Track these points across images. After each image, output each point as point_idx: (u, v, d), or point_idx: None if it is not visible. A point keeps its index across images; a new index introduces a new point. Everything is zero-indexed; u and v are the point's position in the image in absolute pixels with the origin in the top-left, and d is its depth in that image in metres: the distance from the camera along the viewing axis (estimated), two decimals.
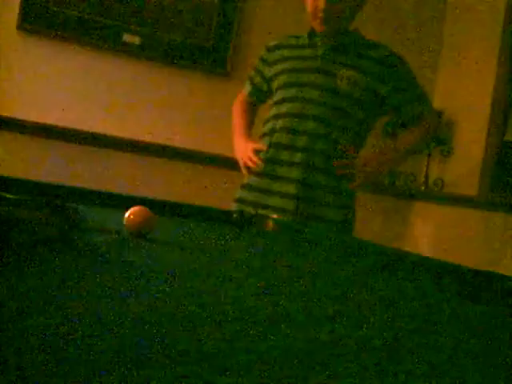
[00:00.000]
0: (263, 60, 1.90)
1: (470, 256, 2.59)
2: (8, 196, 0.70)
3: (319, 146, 1.70)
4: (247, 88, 1.98)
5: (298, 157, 1.70)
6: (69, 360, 0.31)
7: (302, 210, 1.69)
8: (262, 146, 1.77)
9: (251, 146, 1.80)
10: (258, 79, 1.93)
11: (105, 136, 2.70)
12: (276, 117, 1.77)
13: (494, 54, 2.78)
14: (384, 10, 3.07)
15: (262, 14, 2.95)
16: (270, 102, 1.88)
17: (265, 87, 1.91)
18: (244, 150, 1.81)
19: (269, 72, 1.86)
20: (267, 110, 1.87)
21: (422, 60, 3.03)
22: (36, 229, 0.67)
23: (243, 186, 1.82)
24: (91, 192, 1.32)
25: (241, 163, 1.82)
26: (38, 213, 0.67)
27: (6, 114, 2.58)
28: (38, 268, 0.56)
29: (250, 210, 1.64)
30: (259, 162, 1.75)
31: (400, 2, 3.15)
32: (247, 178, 1.81)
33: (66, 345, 0.33)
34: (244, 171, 1.81)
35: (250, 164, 1.77)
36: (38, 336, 0.34)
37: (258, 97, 1.96)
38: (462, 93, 3.01)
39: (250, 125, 1.96)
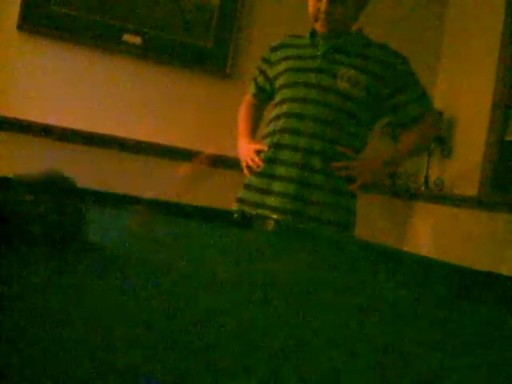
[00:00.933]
0: (266, 60, 1.90)
1: (470, 256, 2.59)
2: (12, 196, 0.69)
3: (319, 146, 1.69)
4: (252, 89, 1.98)
5: (298, 157, 1.70)
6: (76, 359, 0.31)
7: (300, 211, 1.69)
8: (264, 146, 1.77)
9: (253, 146, 1.80)
10: (261, 79, 1.93)
11: (105, 136, 2.70)
12: (277, 117, 1.77)
13: (495, 53, 2.78)
14: (384, 9, 3.07)
15: (262, 14, 2.95)
16: (273, 102, 1.88)
17: (268, 87, 1.91)
18: (246, 150, 1.82)
19: (271, 72, 1.86)
20: (271, 111, 1.87)
21: (422, 60, 3.03)
22: (46, 226, 0.67)
23: (244, 186, 1.83)
24: (91, 192, 1.31)
25: (243, 164, 1.83)
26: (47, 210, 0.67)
27: (5, 114, 2.58)
28: (43, 267, 0.56)
29: (251, 209, 1.64)
30: (260, 163, 1.75)
31: (400, 1, 3.15)
32: (248, 178, 1.82)
33: (73, 349, 0.33)
34: (246, 171, 1.82)
35: (251, 164, 1.77)
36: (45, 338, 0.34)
37: (263, 97, 1.96)
38: (462, 93, 3.01)
39: (254, 125, 1.96)
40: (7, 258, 0.57)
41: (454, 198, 2.87)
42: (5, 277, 0.49)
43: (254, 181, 1.78)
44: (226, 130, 2.65)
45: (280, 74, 1.80)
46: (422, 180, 3.07)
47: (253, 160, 1.77)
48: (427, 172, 3.05)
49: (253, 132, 1.93)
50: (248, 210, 1.63)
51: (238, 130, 1.95)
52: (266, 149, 1.76)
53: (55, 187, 0.68)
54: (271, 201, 1.71)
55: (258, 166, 1.76)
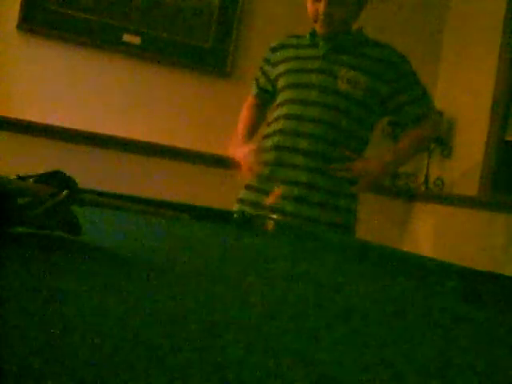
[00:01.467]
0: (267, 61, 1.90)
1: (470, 256, 2.59)
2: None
3: (320, 147, 1.69)
4: (253, 90, 1.98)
5: (299, 159, 1.70)
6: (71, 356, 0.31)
7: (301, 212, 1.68)
8: (257, 148, 1.76)
9: (251, 149, 1.79)
10: (263, 80, 1.93)
11: (105, 136, 2.70)
12: (277, 119, 1.77)
13: (495, 53, 2.78)
14: (384, 9, 3.07)
15: (262, 14, 2.95)
16: (274, 103, 1.87)
17: (270, 88, 1.90)
18: (246, 152, 1.81)
19: (272, 73, 1.86)
20: (272, 112, 1.86)
21: (422, 60, 3.03)
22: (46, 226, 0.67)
23: (245, 187, 1.82)
24: (91, 192, 1.31)
25: (244, 166, 1.82)
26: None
27: (6, 114, 2.58)
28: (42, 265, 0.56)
29: (251, 210, 1.64)
30: (260, 165, 1.75)
31: (401, 1, 3.14)
32: (249, 179, 1.81)
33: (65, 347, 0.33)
34: (246, 173, 1.81)
35: (252, 166, 1.77)
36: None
37: (265, 98, 1.95)
38: (462, 93, 3.01)
39: (253, 127, 1.95)
40: (5, 259, 0.57)
41: (453, 197, 2.87)
42: (2, 277, 0.49)
43: (255, 182, 1.78)
44: (226, 130, 2.65)
45: (280, 75, 1.80)
46: (422, 180, 3.07)
47: (252, 163, 1.76)
48: (427, 172, 3.05)
49: (250, 134, 1.92)
50: (248, 210, 1.63)
51: (237, 130, 1.95)
52: (259, 151, 1.75)
53: (56, 187, 0.68)
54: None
55: (259, 169, 1.75)
